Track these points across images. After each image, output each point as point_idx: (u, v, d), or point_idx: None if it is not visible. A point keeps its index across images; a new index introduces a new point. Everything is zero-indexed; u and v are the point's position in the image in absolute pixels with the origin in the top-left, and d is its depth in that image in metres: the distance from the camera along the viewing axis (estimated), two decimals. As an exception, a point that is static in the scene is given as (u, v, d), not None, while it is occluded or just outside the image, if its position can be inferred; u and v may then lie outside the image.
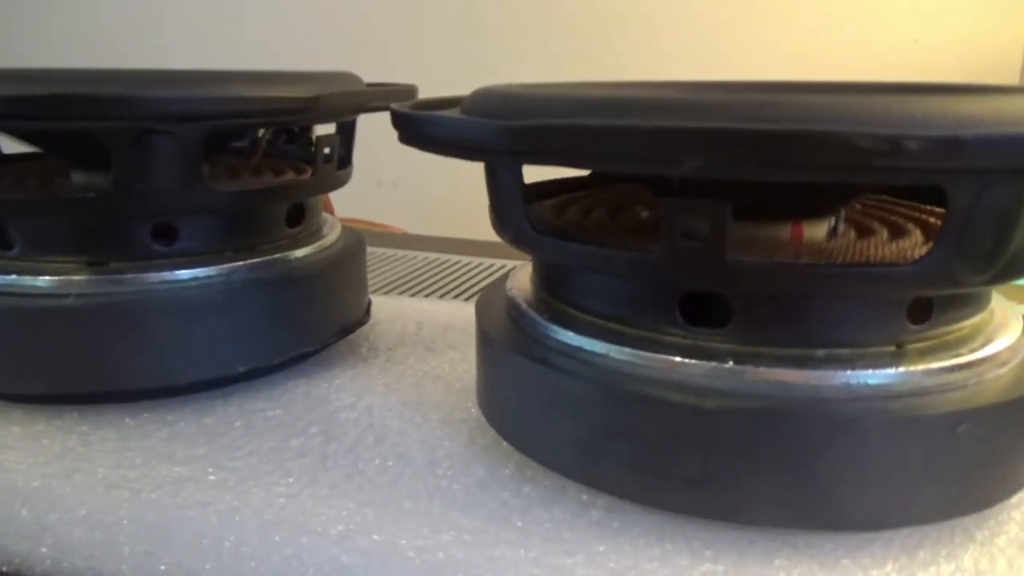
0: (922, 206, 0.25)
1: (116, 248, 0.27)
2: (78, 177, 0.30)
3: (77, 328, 0.26)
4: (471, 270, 0.51)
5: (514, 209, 0.22)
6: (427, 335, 0.36)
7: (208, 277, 0.28)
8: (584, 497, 0.23)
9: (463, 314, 0.39)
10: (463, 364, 0.32)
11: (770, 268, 0.19)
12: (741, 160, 0.16)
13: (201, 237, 0.28)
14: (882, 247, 0.21)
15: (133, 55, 1.17)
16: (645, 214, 0.26)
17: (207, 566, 0.22)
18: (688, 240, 0.19)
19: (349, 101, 0.29)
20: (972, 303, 0.21)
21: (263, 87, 0.26)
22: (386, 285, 0.47)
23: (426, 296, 0.45)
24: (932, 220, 0.24)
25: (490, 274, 0.50)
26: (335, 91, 0.28)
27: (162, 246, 0.28)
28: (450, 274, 0.50)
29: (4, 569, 0.23)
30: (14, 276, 0.27)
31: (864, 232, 0.23)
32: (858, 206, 0.26)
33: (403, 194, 1.01)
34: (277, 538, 0.21)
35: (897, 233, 0.22)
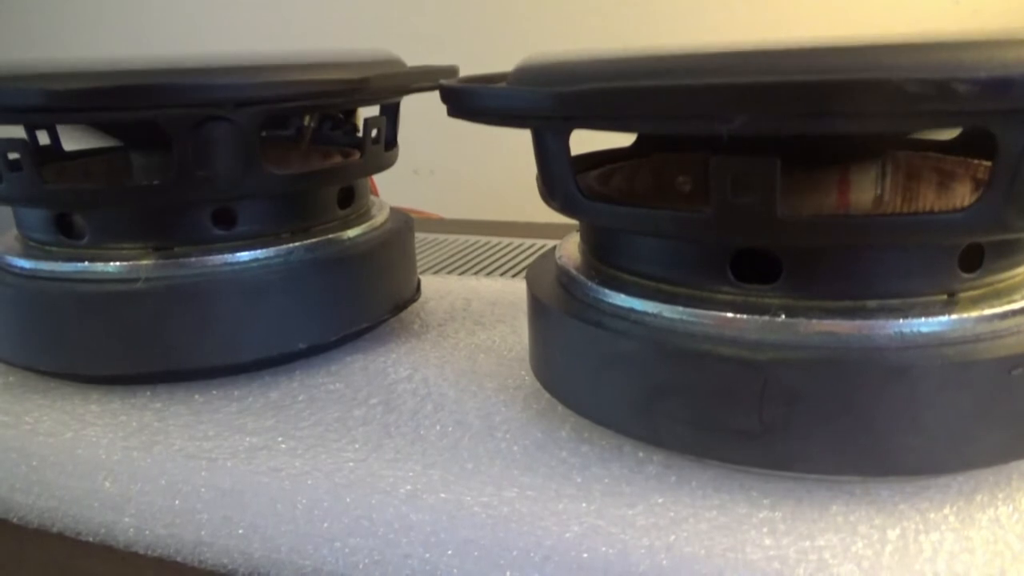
0: (970, 159, 0.25)
1: (180, 233, 0.29)
2: (139, 163, 0.31)
3: (147, 311, 0.28)
4: (512, 250, 0.52)
5: (564, 176, 0.22)
6: (476, 310, 0.37)
7: (267, 258, 0.29)
8: (641, 454, 0.23)
9: (509, 290, 0.39)
10: (513, 336, 0.33)
11: (820, 222, 0.19)
12: (790, 113, 0.16)
13: (259, 220, 0.29)
14: (930, 196, 0.21)
15: (148, 36, 1.19)
16: (688, 180, 0.27)
17: (282, 528, 0.23)
18: (738, 198, 0.19)
19: (396, 81, 0.30)
20: None
21: (316, 70, 0.27)
22: (432, 267, 0.48)
23: (472, 275, 0.45)
24: (979, 172, 0.24)
25: (531, 253, 0.51)
26: (383, 72, 0.29)
27: (223, 230, 0.29)
28: (492, 255, 0.51)
29: (91, 540, 0.25)
30: (86, 263, 0.28)
31: (911, 178, 0.23)
32: (904, 158, 0.26)
33: (440, 181, 1.02)
34: (348, 499, 0.22)
35: (944, 182, 0.23)
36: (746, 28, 0.87)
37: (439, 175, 1.02)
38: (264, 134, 0.30)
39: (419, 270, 0.37)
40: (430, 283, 0.40)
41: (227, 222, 0.29)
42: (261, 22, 1.12)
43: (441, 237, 0.56)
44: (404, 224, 0.34)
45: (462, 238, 0.56)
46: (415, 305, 0.35)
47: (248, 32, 1.12)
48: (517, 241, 0.54)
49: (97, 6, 1.22)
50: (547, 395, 0.26)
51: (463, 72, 0.30)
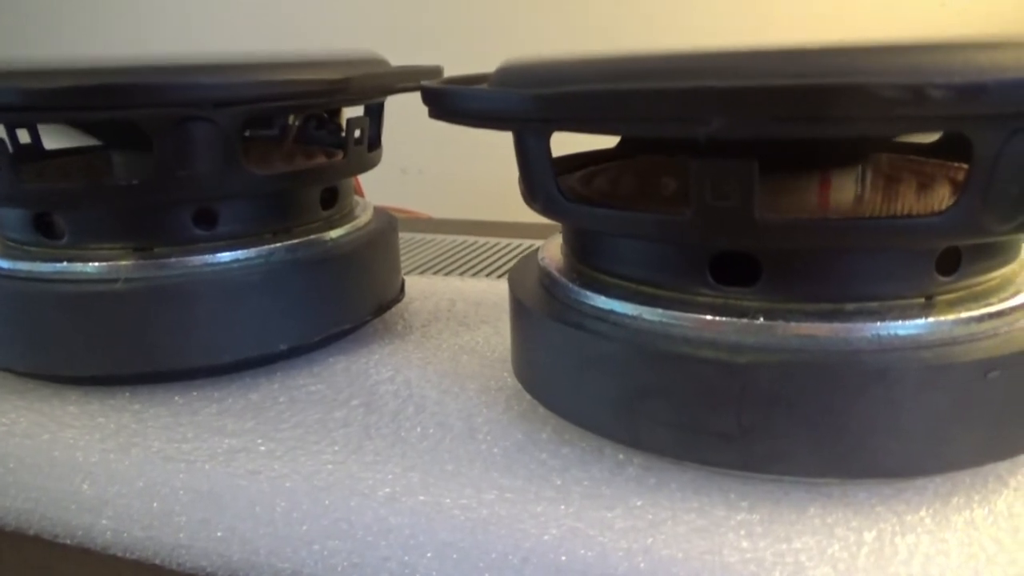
0: (948, 162, 0.25)
1: (160, 233, 0.28)
2: (120, 163, 0.31)
3: (127, 311, 0.27)
4: (499, 250, 0.52)
5: (544, 178, 0.22)
6: (460, 311, 0.37)
7: (248, 259, 0.29)
8: (621, 456, 0.23)
9: (494, 291, 0.39)
10: (496, 337, 0.33)
11: (799, 225, 0.19)
12: (766, 116, 0.16)
13: (240, 221, 0.29)
14: (909, 199, 0.21)
15: (138, 34, 1.18)
16: (669, 183, 0.27)
17: (261, 531, 0.23)
18: (717, 201, 0.19)
19: (379, 82, 0.30)
20: (1001, 253, 0.21)
21: (297, 70, 0.27)
22: (417, 267, 0.48)
23: (458, 275, 0.45)
24: (959, 176, 0.24)
25: (517, 253, 0.51)
26: (365, 72, 0.28)
27: (203, 230, 0.29)
28: (478, 255, 0.51)
29: (68, 542, 0.25)
30: (65, 263, 0.28)
31: (891, 182, 0.23)
32: (885, 161, 0.26)
33: (428, 181, 1.01)
34: (327, 502, 0.22)
35: (924, 185, 0.23)
36: (734, 30, 0.87)
37: (427, 174, 1.02)
38: (247, 134, 0.30)
39: (405, 270, 0.37)
40: (415, 283, 0.40)
41: (208, 222, 0.29)
42: (250, 22, 1.12)
43: (428, 237, 0.56)
44: (388, 224, 0.34)
45: (449, 238, 0.55)
46: (399, 306, 0.35)
47: (236, 31, 1.12)
48: (505, 241, 0.54)
49: (92, 5, 1.22)
50: (528, 397, 0.26)
51: (450, 72, 0.30)
